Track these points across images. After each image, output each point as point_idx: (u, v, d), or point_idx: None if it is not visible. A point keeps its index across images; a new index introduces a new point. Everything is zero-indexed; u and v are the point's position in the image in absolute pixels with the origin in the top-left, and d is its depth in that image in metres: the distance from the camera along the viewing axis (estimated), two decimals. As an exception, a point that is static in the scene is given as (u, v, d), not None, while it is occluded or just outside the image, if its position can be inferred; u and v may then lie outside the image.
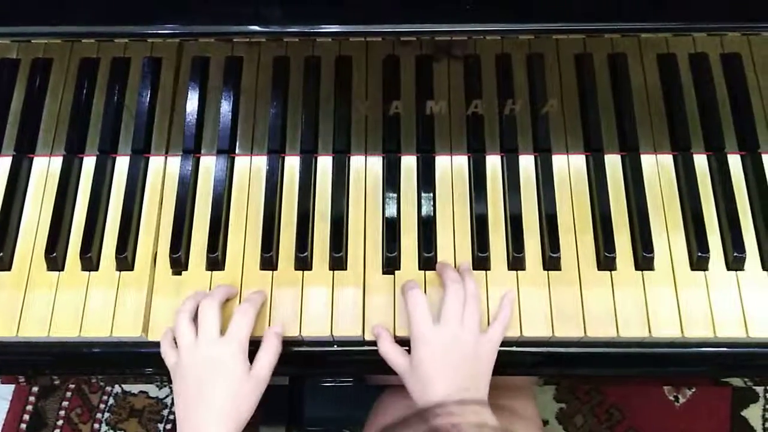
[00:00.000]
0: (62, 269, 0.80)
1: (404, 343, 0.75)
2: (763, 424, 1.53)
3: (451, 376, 0.71)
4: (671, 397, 1.55)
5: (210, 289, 0.78)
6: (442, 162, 0.85)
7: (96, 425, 1.55)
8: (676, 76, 0.84)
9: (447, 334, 0.72)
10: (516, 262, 0.79)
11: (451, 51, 0.82)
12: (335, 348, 0.79)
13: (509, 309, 0.76)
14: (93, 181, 0.84)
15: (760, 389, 1.56)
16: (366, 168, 0.85)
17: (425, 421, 0.69)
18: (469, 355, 0.72)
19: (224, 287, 0.77)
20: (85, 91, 0.85)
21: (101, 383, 1.55)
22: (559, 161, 0.84)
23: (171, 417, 1.56)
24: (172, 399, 1.57)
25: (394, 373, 0.75)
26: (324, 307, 0.78)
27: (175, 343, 0.74)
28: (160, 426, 1.55)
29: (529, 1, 0.70)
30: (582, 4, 0.70)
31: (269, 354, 0.73)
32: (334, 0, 0.71)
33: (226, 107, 0.84)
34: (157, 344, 0.76)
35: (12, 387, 1.58)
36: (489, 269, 0.79)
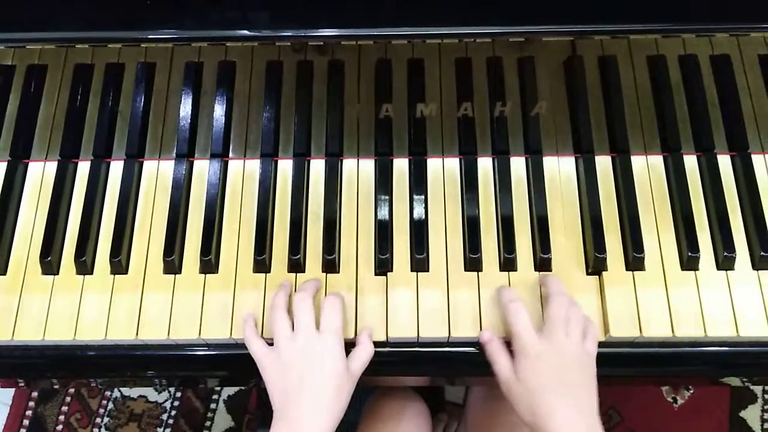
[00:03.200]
0: (57, 273, 0.81)
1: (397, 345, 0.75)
2: (762, 425, 1.53)
3: (555, 382, 0.69)
4: (669, 399, 1.55)
5: (204, 292, 0.79)
6: (433, 164, 0.85)
7: (95, 430, 1.56)
8: (665, 78, 0.84)
9: (553, 347, 0.71)
10: (508, 264, 0.80)
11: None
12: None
13: (593, 324, 0.75)
14: (87, 185, 0.85)
15: (758, 390, 1.55)
16: (358, 171, 0.85)
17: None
18: (575, 366, 0.71)
19: (313, 281, 0.78)
20: (79, 97, 0.86)
21: (100, 387, 1.56)
22: (549, 163, 0.85)
23: (170, 421, 1.56)
24: (171, 403, 1.57)
25: (388, 374, 0.75)
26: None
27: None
28: (159, 430, 1.55)
29: (519, 4, 0.70)
30: (571, 6, 0.71)
31: (364, 353, 0.74)
32: (325, 4, 0.71)
33: (219, 111, 0.85)
34: (152, 347, 0.76)
35: (12, 392, 1.58)
36: (481, 270, 0.80)
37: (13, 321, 0.78)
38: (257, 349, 0.74)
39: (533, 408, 0.69)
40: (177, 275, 0.80)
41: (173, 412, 1.57)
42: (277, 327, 0.74)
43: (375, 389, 0.99)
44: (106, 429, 1.56)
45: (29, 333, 0.78)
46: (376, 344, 0.76)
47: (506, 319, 0.74)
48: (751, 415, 1.54)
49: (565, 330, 0.72)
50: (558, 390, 0.69)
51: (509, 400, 0.72)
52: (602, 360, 0.79)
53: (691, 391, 1.56)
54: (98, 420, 1.56)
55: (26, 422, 1.56)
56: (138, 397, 1.58)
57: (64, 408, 1.57)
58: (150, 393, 1.59)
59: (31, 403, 1.58)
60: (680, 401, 1.55)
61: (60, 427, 1.56)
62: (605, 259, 0.79)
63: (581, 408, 0.69)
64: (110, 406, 1.57)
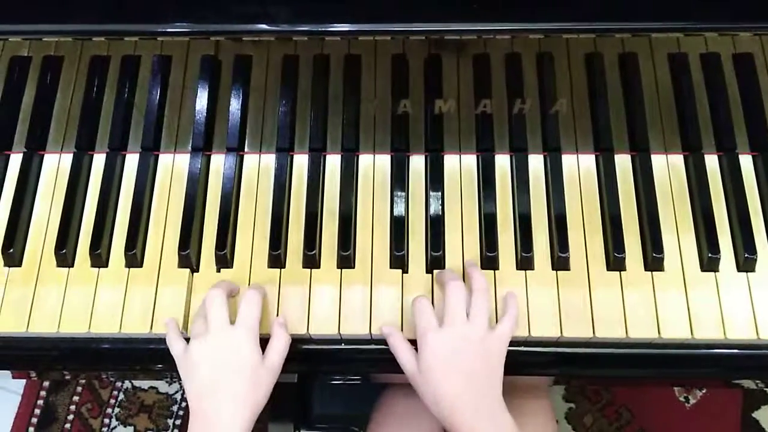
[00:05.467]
0: (72, 266, 0.81)
1: (412, 344, 0.75)
2: (774, 426, 1.52)
3: (454, 370, 0.70)
4: (681, 398, 1.54)
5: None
6: (450, 161, 0.84)
7: (106, 420, 1.56)
8: (687, 76, 0.83)
9: (452, 336, 0.71)
10: (525, 262, 0.79)
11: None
12: (343, 346, 0.79)
13: (515, 305, 0.75)
14: (103, 178, 0.84)
15: (771, 391, 1.55)
16: (374, 167, 0.85)
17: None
18: (479, 354, 0.71)
19: (227, 282, 0.77)
20: (95, 89, 0.85)
21: (111, 379, 1.56)
22: (568, 161, 0.84)
23: (180, 413, 1.57)
24: (182, 395, 1.57)
25: (401, 371, 0.75)
26: (332, 305, 0.78)
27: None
28: (170, 421, 1.56)
29: (539, 1, 0.69)
30: (592, 4, 0.70)
31: (279, 343, 0.74)
32: (343, -1, 0.71)
33: (235, 105, 0.84)
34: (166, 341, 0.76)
35: (23, 381, 1.59)
36: (497, 269, 0.79)
37: (28, 313, 0.78)
38: (177, 350, 0.74)
39: (436, 397, 0.69)
40: (192, 269, 0.80)
41: (184, 404, 1.58)
42: (191, 329, 0.74)
43: (388, 386, 0.99)
44: (117, 419, 1.56)
45: (44, 325, 0.78)
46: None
47: (413, 315, 0.74)
48: (764, 415, 1.53)
49: (464, 316, 0.71)
50: (457, 377, 0.69)
51: (416, 391, 0.72)
52: (618, 361, 0.79)
53: (704, 391, 1.55)
54: (109, 410, 1.57)
55: (37, 411, 1.57)
56: (149, 388, 1.59)
57: (76, 398, 1.58)
58: (161, 384, 1.59)
59: (43, 393, 1.58)
60: (692, 401, 1.54)
61: (71, 416, 1.56)
62: (624, 259, 0.78)
63: (483, 394, 0.69)
64: (121, 396, 1.58)
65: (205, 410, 0.69)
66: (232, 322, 0.73)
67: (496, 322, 0.75)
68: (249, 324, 0.72)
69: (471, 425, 0.68)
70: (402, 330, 0.76)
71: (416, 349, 0.73)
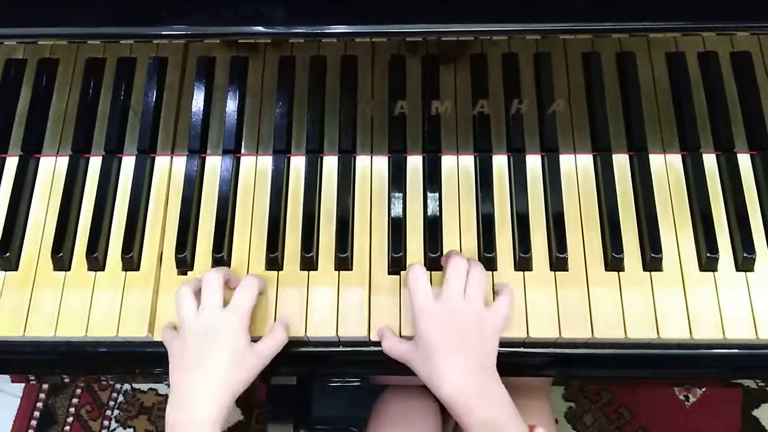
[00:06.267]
0: (68, 269, 0.80)
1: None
2: (775, 424, 1.52)
3: (451, 343, 0.70)
4: (681, 397, 1.54)
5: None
6: (448, 162, 0.84)
7: (105, 422, 1.56)
8: (685, 75, 0.83)
9: (449, 307, 0.71)
10: (523, 263, 0.79)
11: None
12: (341, 348, 0.79)
13: (510, 289, 0.76)
14: (99, 181, 0.84)
15: (771, 389, 1.54)
16: (372, 168, 0.84)
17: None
18: (474, 327, 0.71)
19: (227, 269, 0.78)
20: (91, 91, 0.85)
21: (110, 381, 1.56)
22: (566, 161, 0.83)
23: (180, 414, 1.56)
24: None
25: (399, 373, 0.74)
26: (330, 307, 0.78)
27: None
28: (169, 423, 1.56)
29: (536, 1, 0.69)
30: (589, 4, 0.69)
31: (274, 339, 0.74)
32: (339, 0, 0.70)
33: (231, 107, 0.84)
34: (164, 344, 0.76)
35: (22, 384, 1.59)
36: (496, 270, 0.79)
37: (25, 317, 0.78)
38: (166, 336, 0.74)
39: (429, 368, 0.70)
40: (189, 272, 0.80)
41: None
42: (181, 306, 0.73)
43: (386, 387, 0.99)
44: (116, 421, 1.56)
45: (41, 329, 0.77)
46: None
47: (407, 285, 0.74)
48: (764, 413, 1.53)
49: (462, 293, 0.72)
50: (450, 348, 0.70)
51: (411, 366, 0.73)
52: (617, 361, 0.79)
53: (703, 390, 1.54)
54: (108, 412, 1.57)
55: (37, 414, 1.57)
56: (148, 390, 1.59)
57: (75, 400, 1.58)
58: (160, 386, 1.59)
59: (42, 395, 1.58)
60: (692, 399, 1.54)
61: (70, 419, 1.56)
62: (622, 259, 0.78)
63: (475, 366, 0.70)
64: (120, 398, 1.58)
65: (183, 386, 0.70)
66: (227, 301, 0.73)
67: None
68: (240, 310, 0.73)
69: (465, 395, 0.68)
70: (401, 330, 0.76)
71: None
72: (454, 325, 0.71)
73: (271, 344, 0.73)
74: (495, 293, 0.77)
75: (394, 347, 0.74)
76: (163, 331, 0.75)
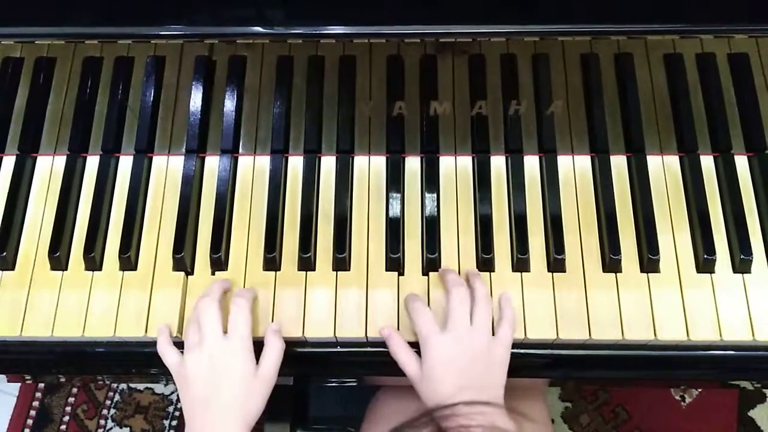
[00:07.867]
0: (65, 269, 0.80)
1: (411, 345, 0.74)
2: (770, 425, 1.52)
3: (459, 375, 0.70)
4: (678, 397, 1.54)
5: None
6: (446, 163, 0.84)
7: (102, 421, 1.56)
8: (682, 77, 0.83)
9: (455, 340, 0.71)
10: (520, 264, 0.79)
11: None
12: (338, 349, 0.79)
13: (510, 307, 0.75)
14: (96, 180, 0.84)
15: None
16: (369, 168, 0.84)
17: (433, 422, 0.69)
18: (480, 357, 0.71)
19: (219, 283, 0.77)
20: (88, 91, 0.84)
21: (107, 382, 1.55)
22: (564, 162, 0.83)
23: (177, 413, 1.56)
24: (178, 396, 1.57)
25: (396, 374, 0.74)
26: (327, 308, 0.77)
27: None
28: (166, 422, 1.55)
29: (534, 3, 0.69)
30: (587, 6, 0.70)
31: (273, 352, 0.73)
32: (338, 1, 0.70)
33: (229, 107, 0.84)
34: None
35: (18, 383, 1.58)
36: (493, 271, 0.79)
37: (22, 317, 0.78)
38: (171, 361, 0.73)
39: (438, 402, 0.69)
40: (186, 272, 0.80)
41: (179, 405, 1.57)
42: (185, 338, 0.73)
43: (380, 388, 0.99)
44: (113, 420, 1.56)
45: (38, 329, 0.77)
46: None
47: (410, 318, 0.74)
48: (760, 414, 1.52)
49: (467, 322, 0.72)
50: (460, 382, 0.70)
51: (419, 395, 0.72)
52: (615, 362, 0.79)
53: (700, 390, 1.54)
54: (105, 411, 1.56)
55: (33, 413, 1.56)
56: (145, 389, 1.58)
57: (71, 399, 1.57)
58: (157, 385, 1.58)
59: (38, 395, 1.57)
60: (688, 400, 1.54)
61: (66, 418, 1.56)
62: (620, 260, 0.78)
63: (484, 398, 0.69)
64: (117, 398, 1.57)
65: (196, 424, 0.70)
66: (225, 325, 0.73)
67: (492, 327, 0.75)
68: (241, 332, 0.72)
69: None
70: (398, 331, 0.76)
71: (417, 352, 0.73)
72: (462, 357, 0.71)
73: (272, 360, 0.73)
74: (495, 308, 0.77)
75: (402, 357, 0.73)
76: (162, 347, 0.74)
